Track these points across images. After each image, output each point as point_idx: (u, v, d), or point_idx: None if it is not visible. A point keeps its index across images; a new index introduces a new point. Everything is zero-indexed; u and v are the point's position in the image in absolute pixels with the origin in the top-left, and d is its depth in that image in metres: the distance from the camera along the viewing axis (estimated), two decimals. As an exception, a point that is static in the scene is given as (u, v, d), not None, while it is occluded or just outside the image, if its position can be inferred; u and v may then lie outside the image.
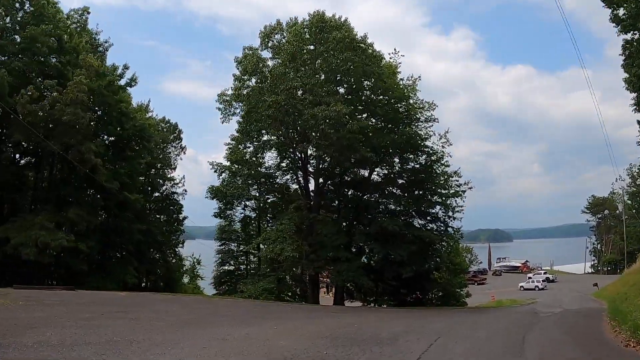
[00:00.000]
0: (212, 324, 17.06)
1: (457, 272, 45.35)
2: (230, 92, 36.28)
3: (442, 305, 40.57)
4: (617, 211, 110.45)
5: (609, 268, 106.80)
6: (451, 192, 38.27)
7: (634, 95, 31.55)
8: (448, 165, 38.72)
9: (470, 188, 38.77)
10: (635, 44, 28.03)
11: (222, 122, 37.04)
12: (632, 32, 27.63)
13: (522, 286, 76.91)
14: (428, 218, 39.44)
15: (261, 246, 40.17)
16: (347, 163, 35.03)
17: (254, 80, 35.28)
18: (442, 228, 39.46)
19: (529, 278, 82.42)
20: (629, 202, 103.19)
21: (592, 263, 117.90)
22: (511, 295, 64.44)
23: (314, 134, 33.28)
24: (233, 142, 41.05)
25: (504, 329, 19.80)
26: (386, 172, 40.17)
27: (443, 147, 38.02)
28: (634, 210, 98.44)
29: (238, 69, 35.60)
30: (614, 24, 27.58)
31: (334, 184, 40.41)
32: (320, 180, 38.75)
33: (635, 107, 33.69)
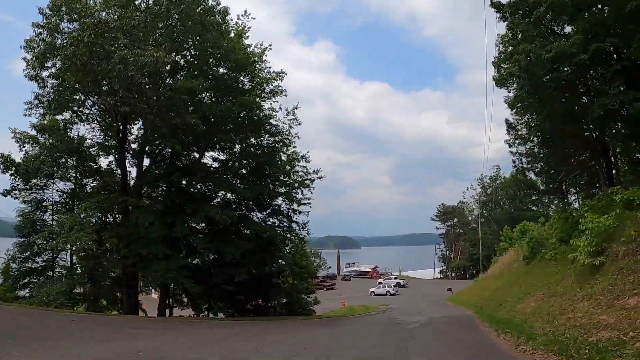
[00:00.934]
0: None
1: (304, 276, 38.98)
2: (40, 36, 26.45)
3: (288, 314, 34.07)
4: (470, 218, 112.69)
5: (457, 273, 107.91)
6: (298, 180, 32.31)
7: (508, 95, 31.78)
8: (294, 147, 32.61)
9: (320, 177, 32.95)
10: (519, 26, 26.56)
11: (29, 79, 27.24)
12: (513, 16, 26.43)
13: (372, 291, 74.09)
14: (268, 211, 32.75)
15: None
16: (165, 129, 26.37)
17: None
18: (285, 224, 33.10)
19: (380, 283, 79.86)
20: (480, 210, 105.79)
21: (441, 269, 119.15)
22: (362, 300, 61.05)
23: (123, 85, 23.81)
24: (36, 100, 31.08)
25: (370, 353, 13.86)
26: (224, 157, 32.72)
27: (290, 126, 31.81)
28: (482, 219, 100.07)
29: (48, 5, 26.19)
30: (494, 9, 26.73)
31: (163, 169, 31.69)
32: (147, 162, 30.76)
33: (507, 101, 32.42)
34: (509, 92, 32.98)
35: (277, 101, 30.81)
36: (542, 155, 33.85)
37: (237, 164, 32.32)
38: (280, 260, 33.89)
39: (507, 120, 38.11)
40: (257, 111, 29.71)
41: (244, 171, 32.23)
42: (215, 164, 32.40)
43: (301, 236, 34.45)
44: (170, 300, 32.86)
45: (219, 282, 29.86)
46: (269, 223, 32.30)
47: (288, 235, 33.37)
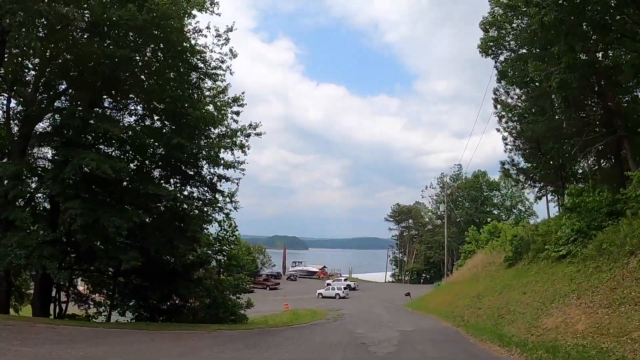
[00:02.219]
0: None
1: (234, 269, 29.41)
2: None
3: (210, 319, 25.25)
4: (427, 219, 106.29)
5: (412, 277, 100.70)
6: (228, 133, 23.50)
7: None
8: (224, 81, 23.34)
9: (259, 134, 23.93)
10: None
11: None
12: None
13: (320, 294, 65.91)
14: (178, 176, 23.30)
15: None
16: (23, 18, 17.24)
17: None
18: (206, 196, 24.10)
19: (328, 285, 71.83)
20: (446, 206, 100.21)
21: (393, 272, 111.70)
22: (308, 303, 53.26)
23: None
24: None
25: None
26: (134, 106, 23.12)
27: (223, 60, 22.29)
28: (442, 221, 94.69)
29: None
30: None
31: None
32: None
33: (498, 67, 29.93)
34: (495, 61, 29.98)
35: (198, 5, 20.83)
36: (551, 124, 27.01)
37: (152, 114, 23.01)
38: (196, 245, 24.35)
39: (495, 91, 33.56)
40: (176, 35, 20.37)
41: (160, 123, 22.99)
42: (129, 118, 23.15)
43: (226, 211, 25.00)
44: (58, 293, 24.24)
45: (113, 270, 22.43)
46: (185, 194, 23.27)
47: (209, 210, 24.37)
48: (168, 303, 25.84)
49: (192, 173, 22.87)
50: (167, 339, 15.77)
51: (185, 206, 20.21)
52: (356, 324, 25.88)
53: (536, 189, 47.76)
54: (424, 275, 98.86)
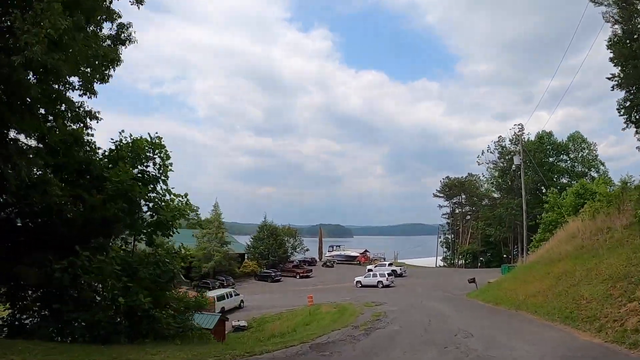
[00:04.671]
0: None
1: (164, 227, 15.25)
2: None
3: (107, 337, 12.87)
4: (483, 189, 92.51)
5: (467, 261, 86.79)
6: None
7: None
8: None
9: None
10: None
11: None
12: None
13: (359, 282, 53.58)
14: None
15: None
16: None
17: None
18: None
19: (369, 271, 58.85)
20: (493, 181, 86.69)
21: (444, 255, 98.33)
22: (342, 294, 41.81)
23: None
24: None
25: None
26: None
27: None
28: (499, 192, 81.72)
29: None
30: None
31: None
32: None
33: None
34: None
35: None
36: None
37: None
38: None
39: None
40: None
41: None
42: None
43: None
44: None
45: None
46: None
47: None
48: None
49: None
50: None
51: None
52: (407, 345, 13.22)
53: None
54: (480, 258, 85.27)
